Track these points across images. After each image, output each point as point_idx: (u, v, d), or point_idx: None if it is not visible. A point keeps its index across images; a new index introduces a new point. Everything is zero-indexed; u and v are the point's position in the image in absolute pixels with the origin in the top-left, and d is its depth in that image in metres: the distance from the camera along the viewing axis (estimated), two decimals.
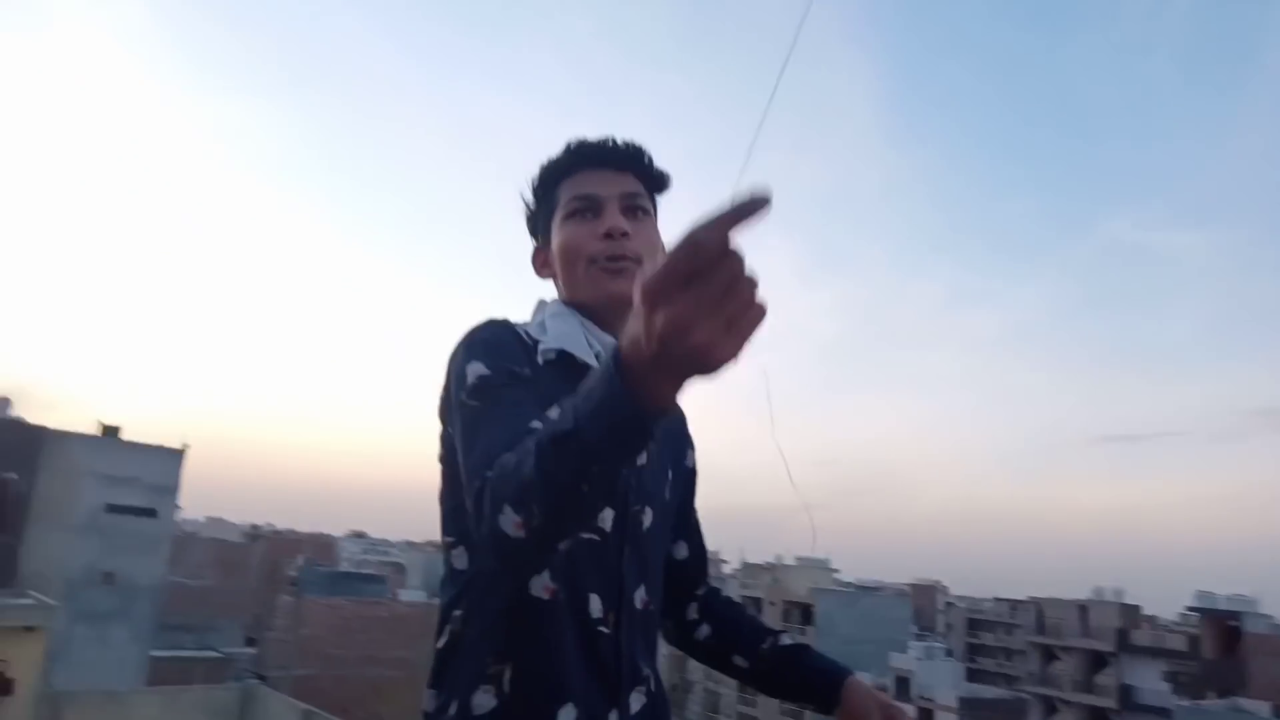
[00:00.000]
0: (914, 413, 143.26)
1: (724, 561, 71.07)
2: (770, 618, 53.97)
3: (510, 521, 0.90)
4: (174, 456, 27.80)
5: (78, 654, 20.77)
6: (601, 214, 1.20)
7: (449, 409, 1.13)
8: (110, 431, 28.11)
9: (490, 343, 1.14)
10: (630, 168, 1.24)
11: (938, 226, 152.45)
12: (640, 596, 1.20)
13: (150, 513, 26.37)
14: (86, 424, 28.44)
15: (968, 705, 42.68)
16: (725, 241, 0.68)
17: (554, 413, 0.89)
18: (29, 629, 14.89)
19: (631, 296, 0.83)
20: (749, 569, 64.24)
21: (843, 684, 1.31)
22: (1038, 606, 46.90)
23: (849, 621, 50.23)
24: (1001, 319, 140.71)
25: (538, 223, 1.29)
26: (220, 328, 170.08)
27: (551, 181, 1.25)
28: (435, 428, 1.19)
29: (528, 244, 1.32)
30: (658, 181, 1.28)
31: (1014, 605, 59.56)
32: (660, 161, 1.26)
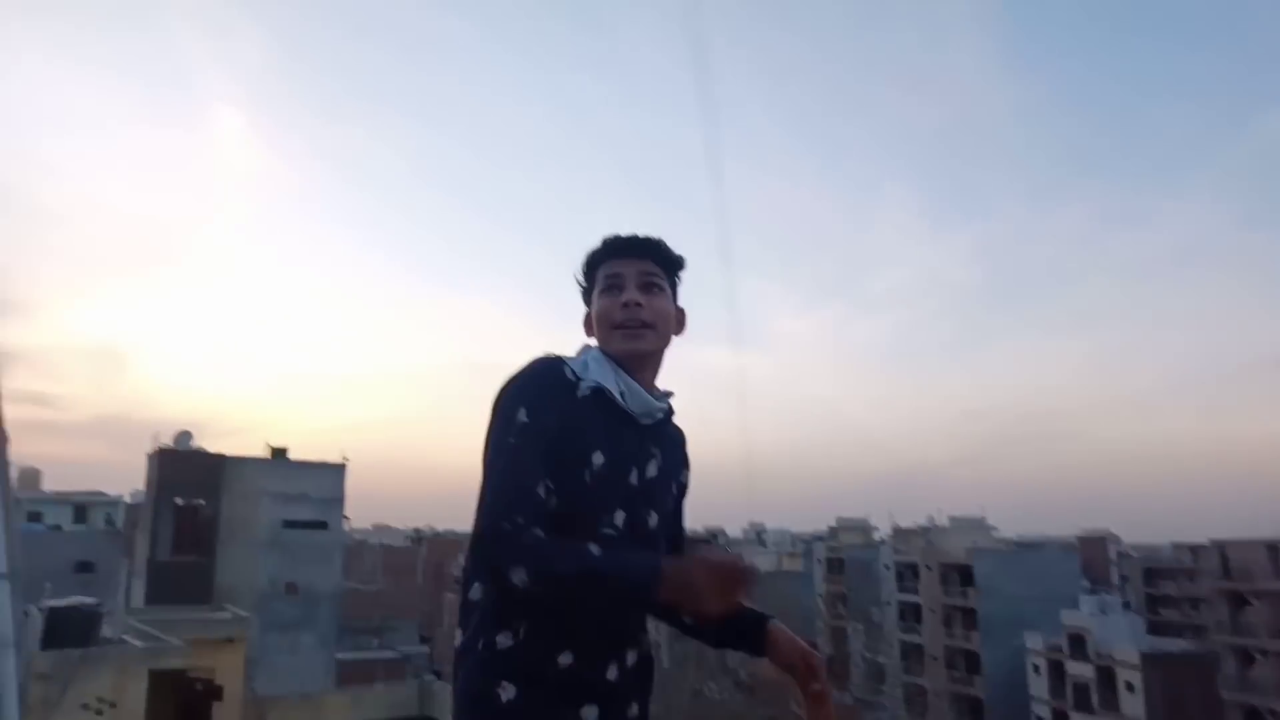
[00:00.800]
0: (1069, 352, 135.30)
1: (874, 529, 69.72)
2: (927, 583, 52.59)
3: (518, 578, 1.32)
4: (336, 471, 29.76)
5: (272, 660, 22.62)
6: (624, 289, 1.60)
7: (492, 427, 1.47)
8: (279, 453, 30.39)
9: (538, 389, 1.48)
10: (648, 255, 1.63)
11: (1077, 148, 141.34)
12: None
13: (321, 525, 28.37)
14: (257, 448, 30.91)
15: (1152, 661, 40.40)
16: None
17: (595, 549, 1.34)
18: (229, 640, 16.39)
19: (633, 354, 1.58)
20: (900, 534, 62.71)
21: (766, 627, 1.62)
22: (1221, 550, 43.74)
23: (1012, 580, 48.33)
24: (1158, 239, 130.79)
25: (587, 296, 1.69)
26: (360, 342, 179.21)
27: (594, 266, 1.67)
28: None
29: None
30: (673, 264, 1.67)
31: (1195, 550, 55.74)
32: (675, 248, 1.67)
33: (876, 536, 67.68)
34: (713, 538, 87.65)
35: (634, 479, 1.55)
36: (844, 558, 60.25)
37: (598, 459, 1.49)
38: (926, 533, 60.35)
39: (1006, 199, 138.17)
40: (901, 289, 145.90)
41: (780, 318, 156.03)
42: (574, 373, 1.53)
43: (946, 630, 50.69)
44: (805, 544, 72.71)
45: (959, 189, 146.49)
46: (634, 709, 1.53)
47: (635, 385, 1.56)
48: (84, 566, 31.69)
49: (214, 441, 31.76)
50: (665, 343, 1.63)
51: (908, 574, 55.01)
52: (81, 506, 46.65)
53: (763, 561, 69.53)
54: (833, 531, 71.10)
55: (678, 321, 1.67)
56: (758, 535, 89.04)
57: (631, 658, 1.53)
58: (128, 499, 43.62)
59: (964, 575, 50.30)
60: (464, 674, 1.47)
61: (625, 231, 1.66)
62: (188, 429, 29.93)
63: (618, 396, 1.53)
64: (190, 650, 13.26)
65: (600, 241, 1.65)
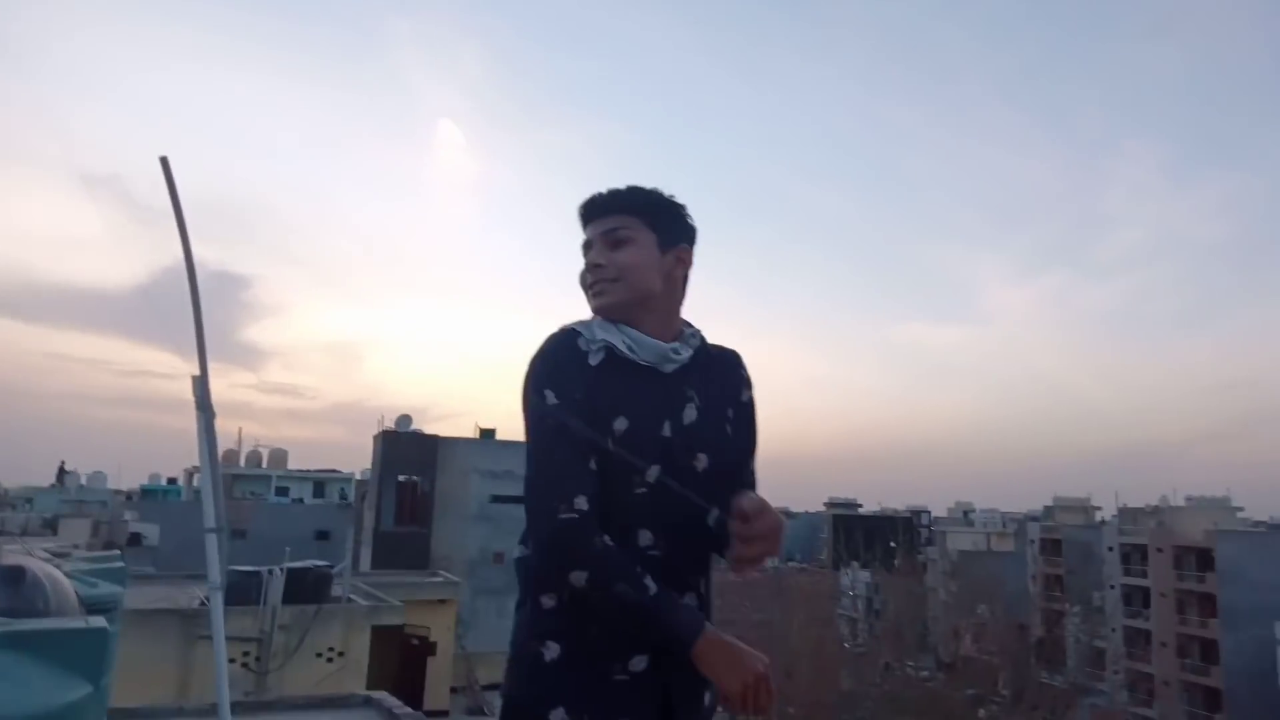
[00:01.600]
0: None
1: (1096, 509, 64.66)
2: (1158, 567, 48.19)
3: (576, 580, 1.37)
4: None
5: (480, 621, 24.24)
6: (590, 252, 1.61)
7: (525, 412, 1.51)
8: (487, 434, 32.48)
9: (556, 366, 1.50)
10: (611, 210, 1.61)
11: None
12: (704, 521, 1.54)
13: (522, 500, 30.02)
14: (468, 429, 33.19)
15: None
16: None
17: (651, 584, 1.38)
18: (442, 601, 17.81)
19: (607, 309, 1.57)
20: (1127, 514, 57.70)
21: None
22: None
23: (1261, 566, 43.22)
24: None
25: None
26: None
27: (583, 231, 1.66)
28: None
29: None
30: (646, 206, 1.61)
31: None
32: (651, 187, 1.63)
33: (1098, 517, 62.65)
34: (915, 515, 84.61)
35: (667, 430, 1.52)
36: (1061, 538, 56.29)
37: (620, 424, 1.48)
38: (1158, 513, 55.19)
39: (1263, 146, 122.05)
40: (1135, 252, 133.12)
41: (996, 289, 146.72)
42: (586, 341, 1.53)
43: (1179, 616, 46.44)
44: (1017, 524, 68.68)
45: (1206, 139, 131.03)
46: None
47: (640, 335, 1.55)
48: (321, 535, 35.46)
49: (431, 424, 34.46)
50: (643, 289, 1.57)
51: (1134, 556, 50.69)
52: (320, 482, 52.01)
53: (968, 541, 66.33)
54: (1048, 511, 66.49)
55: (677, 259, 1.62)
56: (964, 514, 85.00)
57: (689, 600, 1.51)
58: (358, 476, 48.08)
59: (1202, 559, 45.66)
60: (514, 632, 1.51)
61: (605, 189, 1.63)
62: (408, 414, 32.60)
63: (625, 351, 1.53)
64: (408, 610, 14.52)
65: (577, 211, 1.66)
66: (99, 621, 2.57)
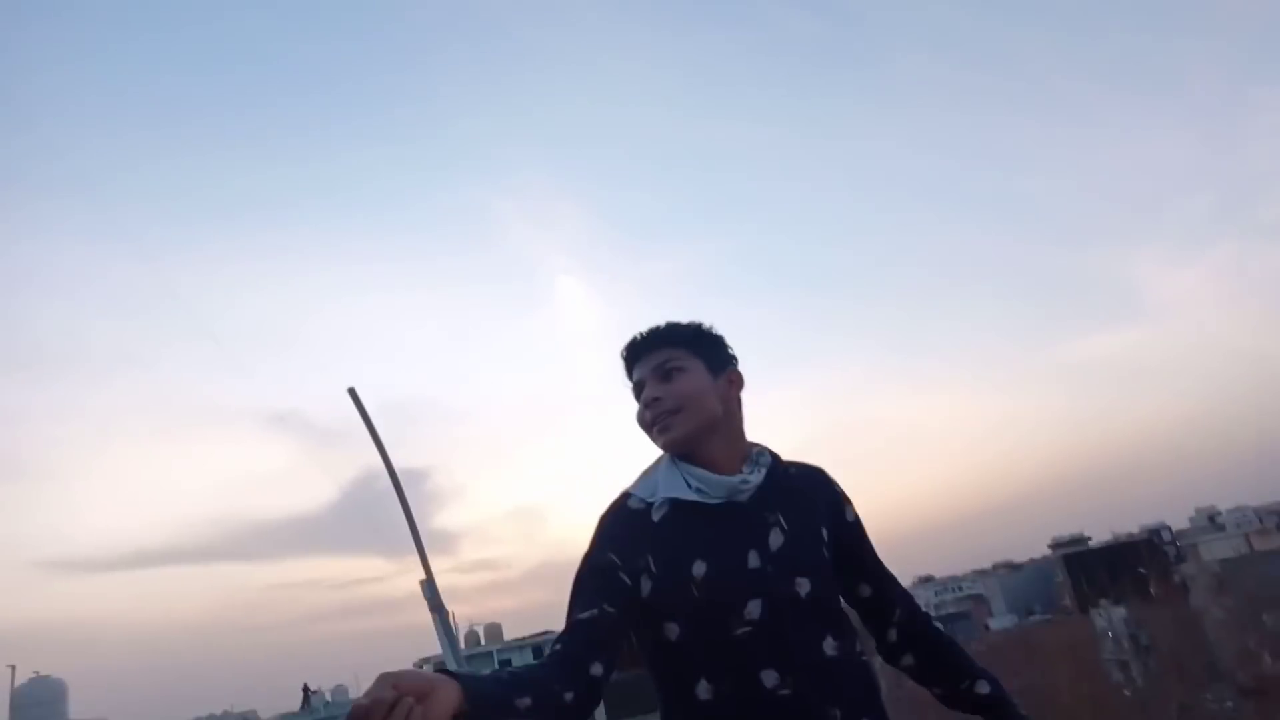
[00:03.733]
0: None
1: None
2: None
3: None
4: None
5: None
6: (644, 390, 1.60)
7: None
8: None
9: (604, 534, 1.51)
10: (657, 345, 1.61)
11: None
12: (823, 651, 1.46)
13: None
14: None
15: None
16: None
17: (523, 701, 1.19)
18: None
19: (676, 444, 1.55)
20: None
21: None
22: None
23: None
24: None
25: None
26: None
27: (629, 377, 1.67)
28: None
29: None
30: (691, 339, 1.62)
31: None
32: (688, 320, 1.64)
33: None
34: (1153, 535, 76.93)
35: (755, 560, 1.46)
36: None
37: (699, 569, 1.44)
38: None
39: None
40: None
41: (1157, 279, 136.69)
42: (643, 500, 1.52)
43: None
44: (1275, 515, 61.13)
45: None
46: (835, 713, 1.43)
47: (707, 474, 1.51)
48: None
49: None
50: (707, 414, 1.55)
51: None
52: (538, 646, 52.66)
53: (1226, 548, 59.39)
54: None
55: (729, 382, 1.62)
56: (1210, 519, 76.57)
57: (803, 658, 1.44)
58: None
59: None
60: None
61: (643, 330, 1.65)
62: None
63: (693, 495, 1.49)
64: None
65: (620, 355, 1.66)
66: None
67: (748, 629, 1.42)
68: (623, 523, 1.51)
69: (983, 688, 1.62)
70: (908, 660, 1.68)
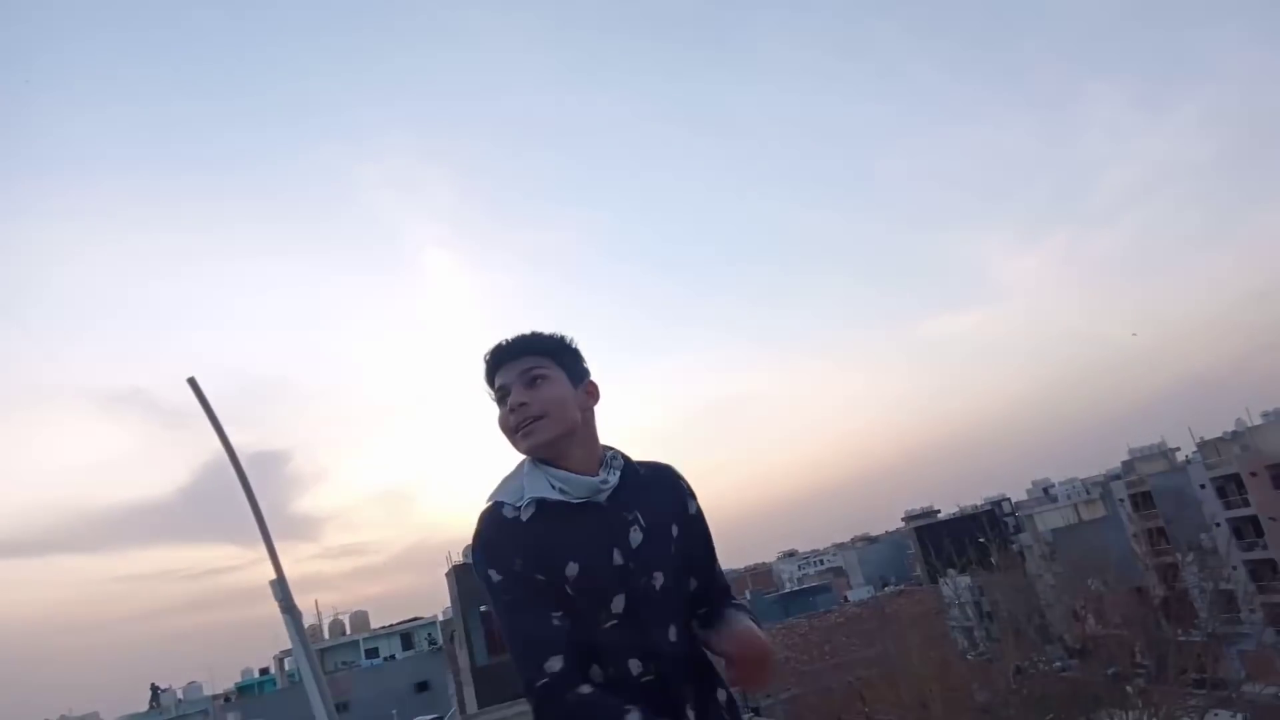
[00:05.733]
0: None
1: (1173, 450, 62.83)
2: (1258, 491, 46.47)
3: None
4: None
5: None
6: (509, 396, 1.66)
7: (489, 602, 1.60)
8: None
9: (489, 544, 1.58)
10: (523, 353, 1.69)
11: None
12: (670, 638, 1.63)
13: None
14: None
15: None
16: None
17: (635, 713, 1.44)
18: None
19: (538, 448, 1.63)
20: (1208, 446, 55.92)
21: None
22: None
23: None
24: None
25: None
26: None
27: (489, 381, 1.73)
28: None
29: None
30: (555, 349, 1.71)
31: None
32: (552, 332, 1.73)
33: (1180, 458, 60.84)
34: (995, 506, 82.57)
35: (618, 558, 1.58)
36: (1150, 489, 54.60)
37: (571, 569, 1.55)
38: (1239, 438, 53.42)
39: (1225, 53, 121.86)
40: (1130, 189, 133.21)
41: (1001, 263, 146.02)
42: (515, 506, 1.60)
43: None
44: (1099, 487, 66.79)
45: (1168, 62, 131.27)
46: None
47: (569, 474, 1.61)
48: (421, 686, 35.05)
49: None
50: (569, 422, 1.64)
51: (1230, 487, 48.87)
52: (406, 634, 51.68)
53: (1057, 518, 64.46)
54: (1128, 466, 64.67)
55: (587, 393, 1.70)
56: (1044, 491, 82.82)
57: (692, 714, 1.63)
58: (441, 617, 47.82)
59: None
60: None
61: (508, 337, 1.73)
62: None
63: (557, 496, 1.59)
64: None
65: (484, 358, 1.73)
66: None
67: (614, 622, 1.57)
68: (500, 529, 1.59)
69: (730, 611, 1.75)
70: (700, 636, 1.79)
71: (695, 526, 1.77)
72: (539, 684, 1.47)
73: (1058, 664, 31.57)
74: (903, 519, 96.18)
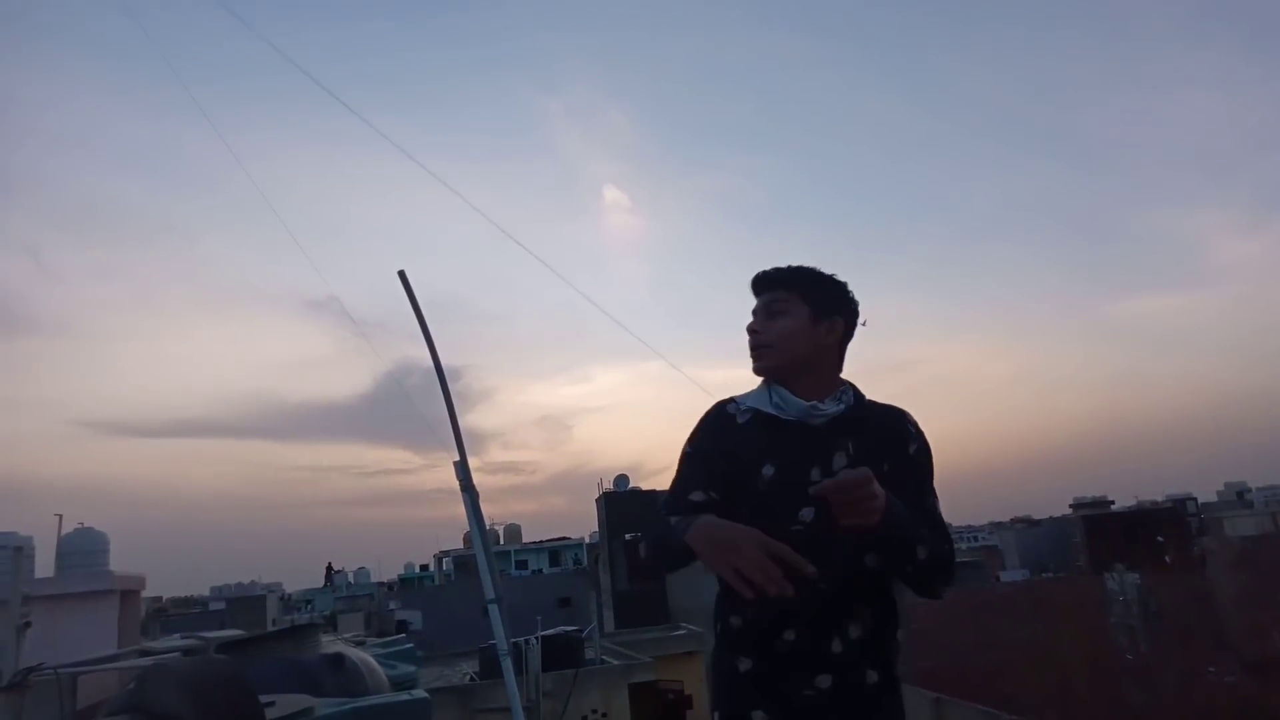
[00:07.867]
0: None
1: None
2: None
3: (643, 552, 1.76)
4: None
5: None
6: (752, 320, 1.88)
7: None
8: None
9: (699, 429, 1.87)
10: (769, 286, 1.87)
11: None
12: (853, 559, 1.69)
13: None
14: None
15: None
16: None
17: (675, 520, 1.62)
18: (689, 654, 17.97)
19: (760, 372, 1.85)
20: None
21: None
22: None
23: None
24: None
25: None
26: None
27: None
28: None
29: None
30: (799, 285, 1.85)
31: None
32: (812, 267, 1.88)
33: None
34: (1178, 504, 76.28)
35: (816, 475, 1.68)
36: None
37: (767, 470, 1.72)
38: None
39: None
40: None
41: (1220, 243, 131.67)
42: (737, 405, 1.85)
43: None
44: None
45: None
46: (872, 676, 1.71)
47: (789, 395, 1.78)
48: (563, 601, 36.79)
49: (648, 480, 35.31)
50: (794, 353, 1.80)
51: None
52: (555, 551, 54.26)
53: (1250, 525, 58.82)
54: None
55: (829, 329, 1.82)
56: (1238, 495, 75.74)
57: (855, 631, 1.69)
58: (588, 540, 49.78)
59: None
60: (713, 649, 1.83)
61: (772, 267, 1.91)
62: (625, 473, 33.62)
63: (771, 409, 1.78)
64: (658, 665, 14.80)
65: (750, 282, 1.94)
66: (420, 694, 2.96)
67: (800, 528, 1.66)
68: (715, 420, 1.85)
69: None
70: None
71: (911, 466, 1.81)
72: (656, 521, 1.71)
73: (1230, 679, 29.15)
74: (1070, 505, 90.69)
